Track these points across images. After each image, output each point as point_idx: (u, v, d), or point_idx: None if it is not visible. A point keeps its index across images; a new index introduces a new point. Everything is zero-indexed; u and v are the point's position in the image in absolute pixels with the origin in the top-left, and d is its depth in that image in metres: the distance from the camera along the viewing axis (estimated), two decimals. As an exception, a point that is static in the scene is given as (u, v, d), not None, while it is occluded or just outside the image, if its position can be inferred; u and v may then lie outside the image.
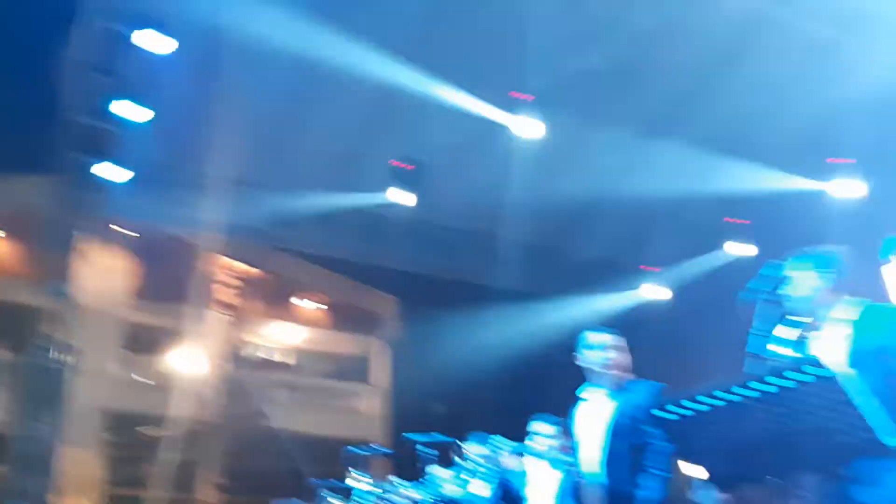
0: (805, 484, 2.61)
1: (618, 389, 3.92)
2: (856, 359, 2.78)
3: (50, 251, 8.91)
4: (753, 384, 2.20)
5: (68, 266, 8.41)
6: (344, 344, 18.57)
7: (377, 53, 8.41)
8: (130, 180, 8.30)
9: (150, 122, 7.76)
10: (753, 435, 2.25)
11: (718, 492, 6.18)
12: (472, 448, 5.47)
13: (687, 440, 2.38)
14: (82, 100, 7.77)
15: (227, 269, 15.60)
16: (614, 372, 3.94)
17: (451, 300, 13.17)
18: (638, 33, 8.10)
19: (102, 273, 10.85)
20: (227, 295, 15.47)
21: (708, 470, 2.37)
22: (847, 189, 9.14)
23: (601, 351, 3.95)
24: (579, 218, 11.44)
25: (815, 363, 2.15)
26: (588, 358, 3.97)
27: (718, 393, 2.25)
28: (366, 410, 17.26)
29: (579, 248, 12.39)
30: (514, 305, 12.62)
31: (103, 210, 8.81)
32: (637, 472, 3.60)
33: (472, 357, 13.17)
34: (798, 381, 2.14)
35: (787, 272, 2.97)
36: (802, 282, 2.95)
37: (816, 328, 3.04)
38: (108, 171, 8.10)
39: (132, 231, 13.00)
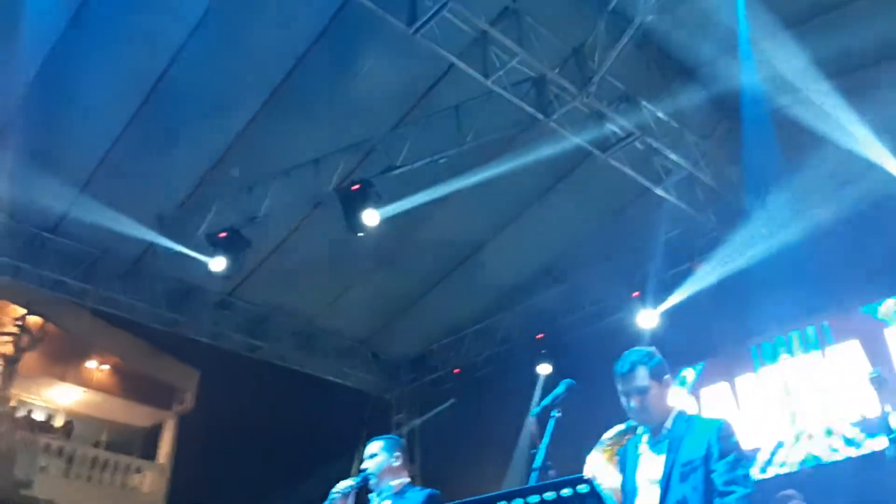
0: None
1: (388, 494, 3.95)
2: (671, 474, 2.96)
3: None
4: (524, 497, 2.24)
5: None
6: (132, 414, 17.30)
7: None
8: None
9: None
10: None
11: None
12: None
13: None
14: None
15: (6, 315, 14.22)
16: (387, 477, 3.97)
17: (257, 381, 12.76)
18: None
19: None
20: (1, 343, 14.03)
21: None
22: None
23: (370, 459, 4.01)
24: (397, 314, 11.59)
25: (587, 482, 2.22)
26: (366, 465, 4.01)
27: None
28: (148, 490, 16.00)
29: (395, 344, 12.45)
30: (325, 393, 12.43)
31: None
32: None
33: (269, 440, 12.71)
34: (567, 498, 2.21)
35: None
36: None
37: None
38: None
39: None
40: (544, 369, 10.06)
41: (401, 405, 12.88)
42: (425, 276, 10.62)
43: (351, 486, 3.83)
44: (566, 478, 2.25)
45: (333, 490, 3.80)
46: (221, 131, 8.58)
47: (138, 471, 16.11)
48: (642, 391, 3.06)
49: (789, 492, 6.35)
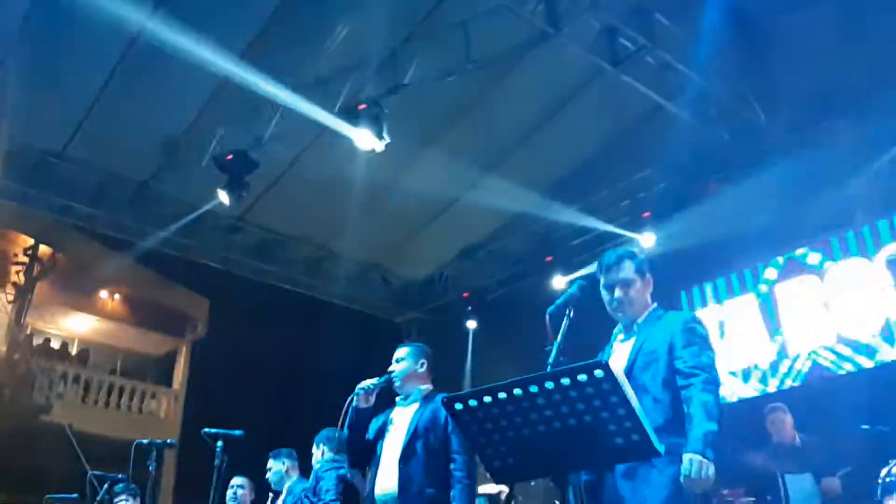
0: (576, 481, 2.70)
1: (417, 398, 4.04)
2: (634, 362, 3.02)
3: None
4: (539, 383, 2.24)
5: None
6: (145, 342, 17.56)
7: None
8: None
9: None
10: (536, 432, 2.28)
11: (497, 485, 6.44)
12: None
13: (475, 434, 2.38)
14: None
15: (16, 245, 14.28)
16: (412, 382, 4.07)
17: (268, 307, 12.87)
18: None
19: None
20: (13, 273, 14.13)
21: (491, 464, 2.38)
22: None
23: (397, 363, 4.09)
24: (407, 237, 11.56)
25: (603, 366, 2.21)
26: (392, 368, 4.08)
27: (505, 389, 2.28)
28: (164, 414, 16.38)
29: (405, 268, 12.46)
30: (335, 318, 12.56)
31: None
32: (432, 473, 3.77)
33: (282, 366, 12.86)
34: (582, 383, 2.21)
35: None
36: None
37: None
38: None
39: None
40: (558, 283, 10.16)
41: (411, 329, 12.98)
42: (434, 198, 10.52)
43: (374, 385, 3.89)
44: (581, 363, 2.24)
45: (359, 386, 3.85)
46: (225, 52, 8.40)
47: (154, 396, 16.47)
48: (627, 283, 3.19)
49: (775, 405, 6.44)
